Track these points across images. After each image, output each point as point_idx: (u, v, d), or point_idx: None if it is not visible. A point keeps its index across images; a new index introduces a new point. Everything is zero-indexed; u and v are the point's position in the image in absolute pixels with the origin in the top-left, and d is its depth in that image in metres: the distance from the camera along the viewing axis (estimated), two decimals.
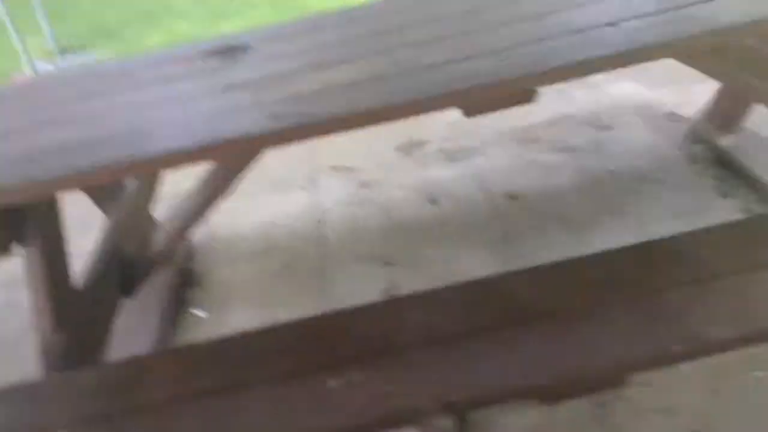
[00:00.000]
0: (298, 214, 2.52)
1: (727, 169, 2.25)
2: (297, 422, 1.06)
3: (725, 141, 2.29)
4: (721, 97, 2.30)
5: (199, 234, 2.52)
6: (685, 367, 1.65)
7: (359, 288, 2.07)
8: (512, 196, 2.36)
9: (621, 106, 2.75)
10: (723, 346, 1.09)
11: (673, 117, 2.60)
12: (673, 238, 1.30)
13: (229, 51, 1.59)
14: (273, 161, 2.90)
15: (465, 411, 1.06)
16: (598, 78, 2.98)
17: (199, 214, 1.74)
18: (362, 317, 1.23)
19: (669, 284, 1.17)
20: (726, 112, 2.30)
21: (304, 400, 1.10)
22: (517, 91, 1.31)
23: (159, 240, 1.86)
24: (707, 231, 1.32)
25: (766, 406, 1.53)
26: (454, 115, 2.92)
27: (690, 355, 1.08)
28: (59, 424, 1.15)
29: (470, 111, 1.33)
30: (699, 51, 1.61)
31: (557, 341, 1.10)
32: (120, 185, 1.95)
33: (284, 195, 2.66)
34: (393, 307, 1.24)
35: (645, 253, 1.26)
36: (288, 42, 1.58)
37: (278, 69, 1.42)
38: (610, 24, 1.35)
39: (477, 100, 1.30)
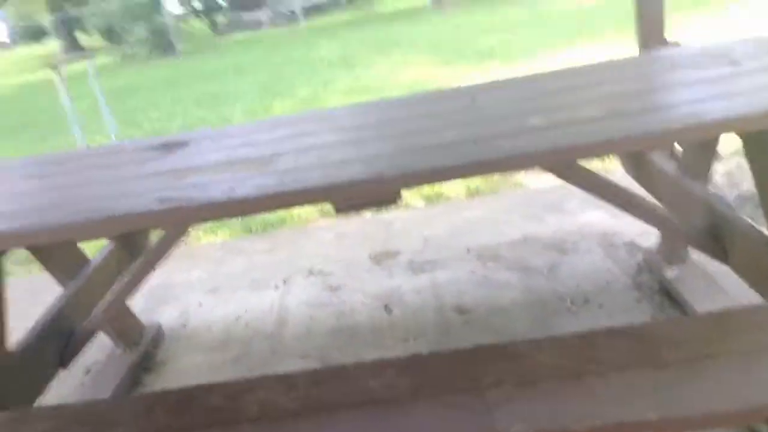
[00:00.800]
0: (264, 311, 2.69)
1: (668, 298, 2.29)
2: None
3: (670, 272, 2.35)
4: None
5: (172, 322, 2.72)
6: None
7: None
8: (460, 310, 2.46)
9: (585, 233, 2.85)
10: None
11: (631, 247, 2.68)
12: (526, 342, 1.39)
13: (169, 146, 1.86)
14: (258, 261, 3.14)
15: None
16: (571, 205, 3.12)
17: (131, 287, 1.93)
18: (221, 391, 1.36)
19: (493, 384, 1.25)
20: (671, 244, 2.37)
21: None
22: (382, 193, 1.47)
23: (99, 310, 2.05)
24: (557, 339, 1.41)
25: None
26: (429, 230, 3.09)
27: None
28: None
29: (340, 208, 1.50)
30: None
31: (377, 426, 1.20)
32: (82, 260, 2.19)
33: (257, 293, 2.85)
34: (250, 384, 1.38)
35: (493, 353, 1.36)
36: (215, 141, 1.84)
37: (195, 163, 1.66)
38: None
39: (345, 198, 1.47)
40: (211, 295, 2.93)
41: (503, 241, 2.90)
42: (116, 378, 2.34)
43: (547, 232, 2.93)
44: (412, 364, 1.40)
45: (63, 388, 2.27)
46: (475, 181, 3.65)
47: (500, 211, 3.22)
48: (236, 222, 3.68)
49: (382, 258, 2.96)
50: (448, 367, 1.35)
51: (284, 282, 2.90)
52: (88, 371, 2.46)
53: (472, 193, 3.59)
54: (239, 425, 1.26)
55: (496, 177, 3.66)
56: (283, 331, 2.53)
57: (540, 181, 3.53)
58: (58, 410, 1.39)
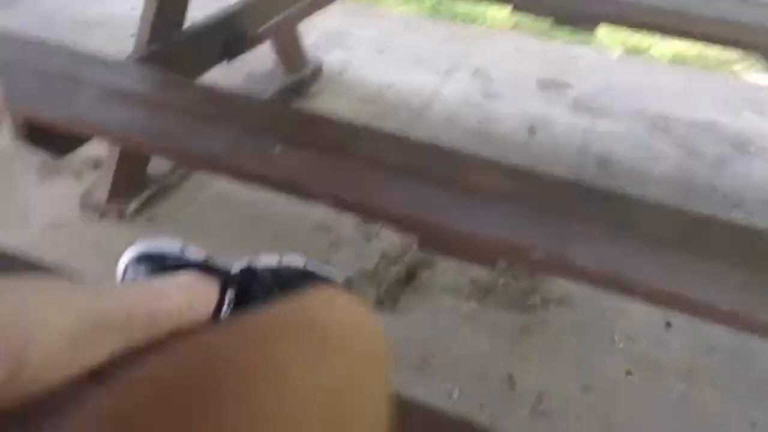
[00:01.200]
0: (418, 88, 2.71)
1: None
2: (238, 161, 1.32)
3: None
4: None
5: (333, 66, 2.82)
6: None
7: None
8: (602, 161, 2.35)
9: None
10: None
11: None
12: (642, 201, 1.32)
13: None
14: (432, 44, 3.11)
15: (353, 211, 1.25)
16: None
17: (308, 11, 1.99)
18: (345, 128, 1.44)
19: (584, 219, 1.21)
20: None
21: (254, 150, 1.34)
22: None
23: (273, 22, 2.15)
24: (673, 210, 1.32)
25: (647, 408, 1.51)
26: (612, 78, 2.87)
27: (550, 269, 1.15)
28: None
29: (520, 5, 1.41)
30: None
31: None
32: None
33: (418, 71, 2.86)
34: (372, 132, 1.44)
35: (603, 197, 1.31)
36: None
37: None
38: None
39: None
40: (377, 56, 2.97)
41: (683, 117, 2.65)
42: (269, 90, 2.52)
43: (735, 126, 2.62)
44: (522, 176, 1.37)
45: (222, 82, 2.48)
46: (688, 52, 3.26)
47: (698, 89, 2.90)
48: (428, 2, 3.59)
49: (550, 85, 2.82)
50: (553, 191, 1.32)
51: (447, 72, 2.87)
52: (247, 76, 2.65)
53: (677, 61, 3.23)
54: (345, 158, 1.32)
55: (713, 56, 3.25)
56: (426, 112, 2.56)
57: (760, 78, 3.10)
58: (208, 90, 1.53)
